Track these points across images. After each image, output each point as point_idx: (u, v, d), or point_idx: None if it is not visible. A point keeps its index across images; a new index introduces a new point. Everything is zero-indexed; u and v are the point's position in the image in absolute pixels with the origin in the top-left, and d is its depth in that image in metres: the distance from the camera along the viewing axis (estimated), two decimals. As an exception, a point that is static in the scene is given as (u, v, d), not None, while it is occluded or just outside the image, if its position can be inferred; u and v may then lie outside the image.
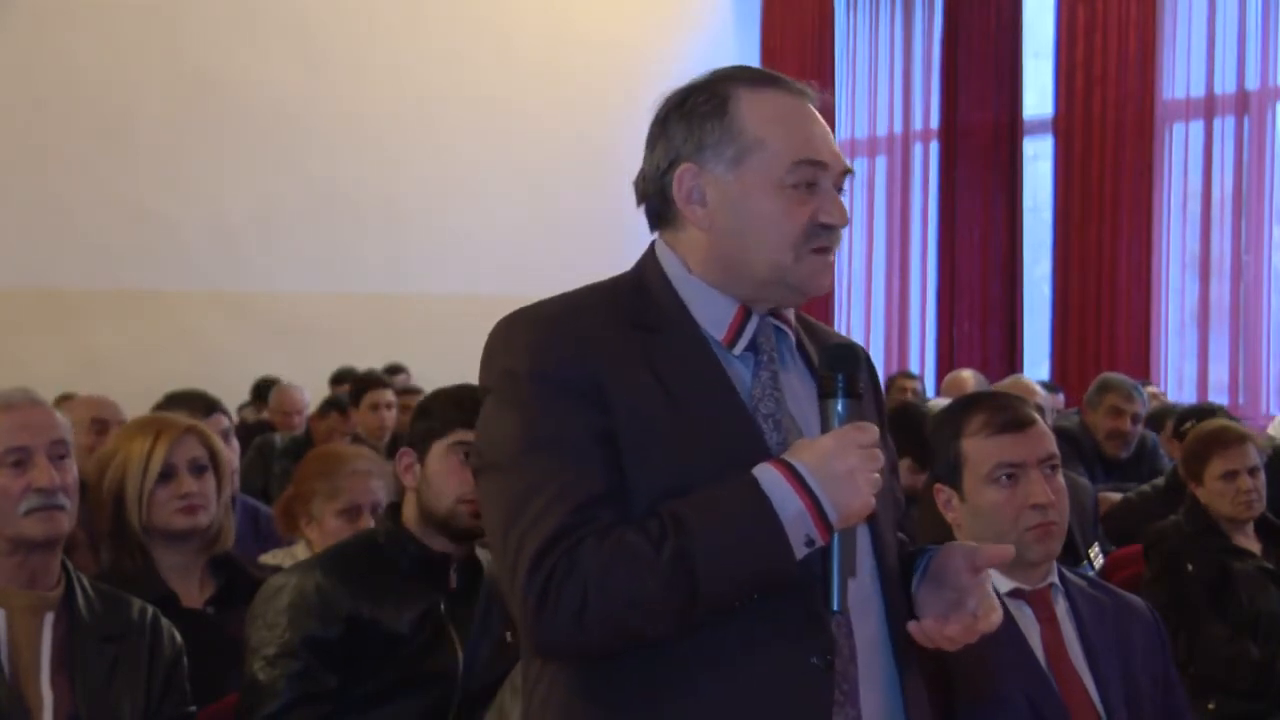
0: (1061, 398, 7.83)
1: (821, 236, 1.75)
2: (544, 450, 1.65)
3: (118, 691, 2.46)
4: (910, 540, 1.97)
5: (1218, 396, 8.60)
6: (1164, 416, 6.32)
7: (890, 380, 8.23)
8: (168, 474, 2.92)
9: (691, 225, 1.79)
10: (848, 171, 1.80)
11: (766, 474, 1.62)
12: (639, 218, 1.86)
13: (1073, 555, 4.16)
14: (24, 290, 8.63)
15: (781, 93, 1.79)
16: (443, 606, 2.64)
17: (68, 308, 8.74)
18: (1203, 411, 5.78)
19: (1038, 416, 2.55)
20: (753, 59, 10.87)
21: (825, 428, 1.68)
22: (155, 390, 5.21)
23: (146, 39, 9.10)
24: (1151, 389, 7.48)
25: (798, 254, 1.74)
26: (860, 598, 1.72)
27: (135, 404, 5.07)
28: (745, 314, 1.78)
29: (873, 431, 1.65)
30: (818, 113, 1.81)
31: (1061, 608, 2.50)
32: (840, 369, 1.69)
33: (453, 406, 2.67)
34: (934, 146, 10.43)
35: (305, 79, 9.51)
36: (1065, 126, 9.66)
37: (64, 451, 2.51)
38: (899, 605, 1.78)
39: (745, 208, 1.75)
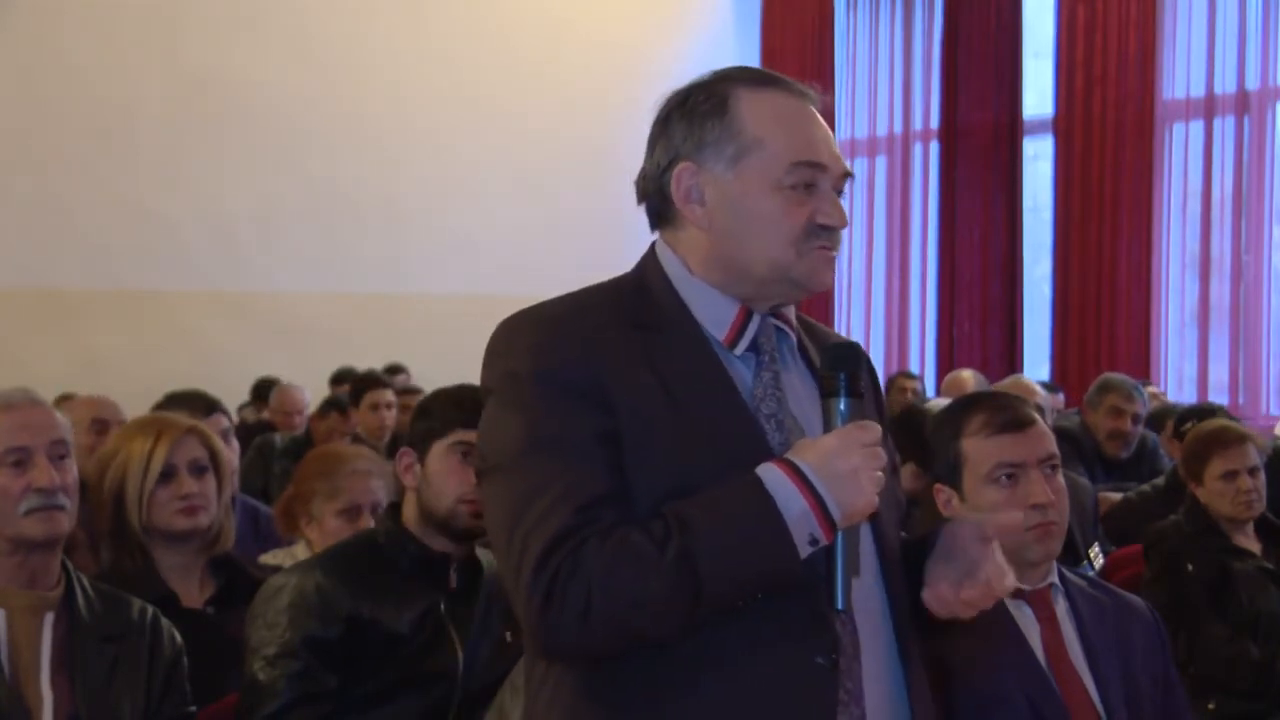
0: (1061, 398, 7.83)
1: (821, 237, 1.75)
2: (547, 451, 1.65)
3: (118, 691, 2.46)
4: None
5: (1218, 396, 8.60)
6: (1164, 416, 6.32)
7: (890, 380, 8.24)
8: (168, 474, 2.92)
9: (690, 224, 1.79)
10: (848, 174, 1.80)
11: (770, 473, 1.62)
12: (639, 218, 1.87)
13: (1073, 555, 4.16)
14: (24, 290, 8.63)
15: (783, 93, 1.79)
16: (443, 606, 2.64)
17: (68, 308, 8.75)
18: (1203, 411, 5.78)
19: (1038, 416, 2.55)
20: (753, 59, 10.88)
21: (828, 427, 1.68)
22: (155, 390, 5.21)
23: (146, 39, 9.10)
24: (1152, 389, 7.48)
25: (799, 251, 1.74)
26: (864, 596, 1.72)
27: (135, 404, 5.07)
28: (746, 314, 1.78)
29: (875, 430, 1.66)
30: (819, 115, 1.81)
31: (1061, 608, 2.50)
32: (842, 368, 1.69)
33: (453, 406, 2.67)
34: (934, 146, 10.43)
35: (305, 79, 9.51)
36: (1065, 126, 9.66)
37: (64, 451, 2.51)
38: (903, 603, 1.79)
39: (743, 207, 1.75)
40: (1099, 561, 4.33)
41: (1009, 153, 10.02)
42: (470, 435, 2.58)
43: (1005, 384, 6.19)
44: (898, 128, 10.63)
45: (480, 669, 2.63)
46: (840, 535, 1.64)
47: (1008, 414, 2.48)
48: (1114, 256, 9.37)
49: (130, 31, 9.04)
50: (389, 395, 7.09)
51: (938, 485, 2.54)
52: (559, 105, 10.34)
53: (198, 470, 2.96)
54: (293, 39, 9.53)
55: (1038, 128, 9.96)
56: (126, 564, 2.92)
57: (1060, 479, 2.50)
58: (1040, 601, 2.48)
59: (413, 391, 7.56)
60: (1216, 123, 9.02)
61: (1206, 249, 9.06)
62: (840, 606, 1.65)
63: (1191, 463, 4.14)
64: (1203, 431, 4.27)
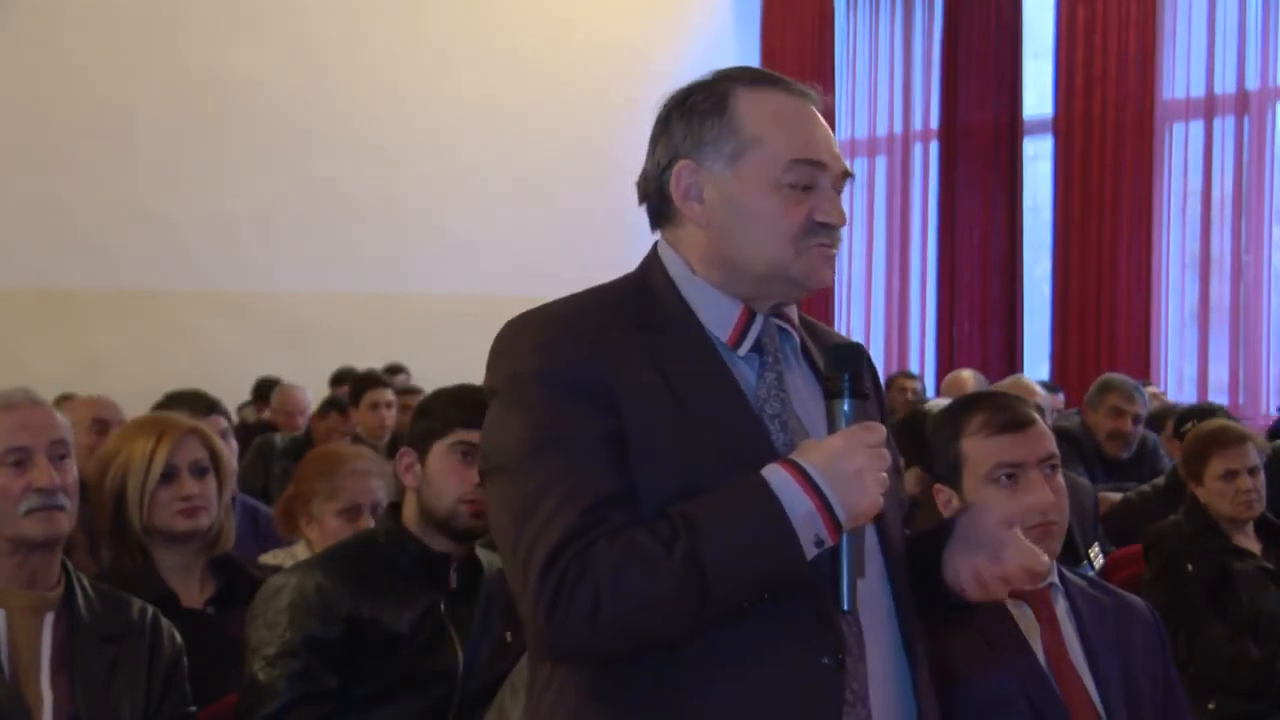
0: (1061, 398, 7.83)
1: (819, 235, 1.75)
2: (552, 451, 1.65)
3: (118, 691, 2.46)
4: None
5: (1218, 396, 8.60)
6: (1164, 416, 6.32)
7: (890, 380, 8.23)
8: (169, 475, 2.92)
9: (690, 222, 1.79)
10: (848, 174, 1.80)
11: (775, 475, 1.62)
12: (639, 218, 1.87)
13: (1073, 555, 4.15)
14: (24, 290, 8.63)
15: (782, 93, 1.79)
16: (443, 606, 2.64)
17: (68, 308, 8.75)
18: (1203, 411, 5.78)
19: (1038, 416, 2.55)
20: (753, 59, 10.88)
21: (832, 428, 1.68)
22: (155, 390, 5.20)
23: (146, 39, 9.10)
24: (1152, 389, 7.48)
25: (797, 249, 1.74)
26: (869, 597, 1.72)
27: (135, 404, 5.07)
28: (749, 315, 1.78)
29: (880, 431, 1.66)
30: (820, 115, 1.81)
31: (1061, 608, 2.50)
32: (845, 369, 1.69)
33: (453, 406, 2.67)
34: (934, 146, 10.43)
35: (305, 79, 9.51)
36: (1065, 126, 9.66)
37: (64, 451, 2.51)
38: (908, 603, 1.79)
39: (742, 205, 1.75)
40: (1099, 561, 4.33)
41: (1009, 153, 10.02)
42: (470, 435, 2.58)
43: (1005, 384, 6.19)
44: (898, 128, 10.63)
45: (480, 669, 2.63)
46: (845, 536, 1.64)
47: (1008, 414, 2.48)
48: (1114, 256, 9.37)
49: (130, 31, 9.04)
50: (389, 395, 7.09)
51: (938, 485, 2.54)
52: (559, 105, 10.34)
53: (199, 471, 2.96)
54: (293, 39, 9.53)
55: (1038, 128, 9.96)
56: (126, 564, 2.91)
57: (1060, 479, 2.50)
58: (1040, 602, 2.48)
59: (413, 391, 7.56)
60: (1216, 123, 9.02)
61: (1206, 249, 9.06)
62: (846, 607, 1.66)
63: (1191, 463, 4.14)
64: (1203, 431, 4.27)
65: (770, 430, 1.73)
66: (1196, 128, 9.12)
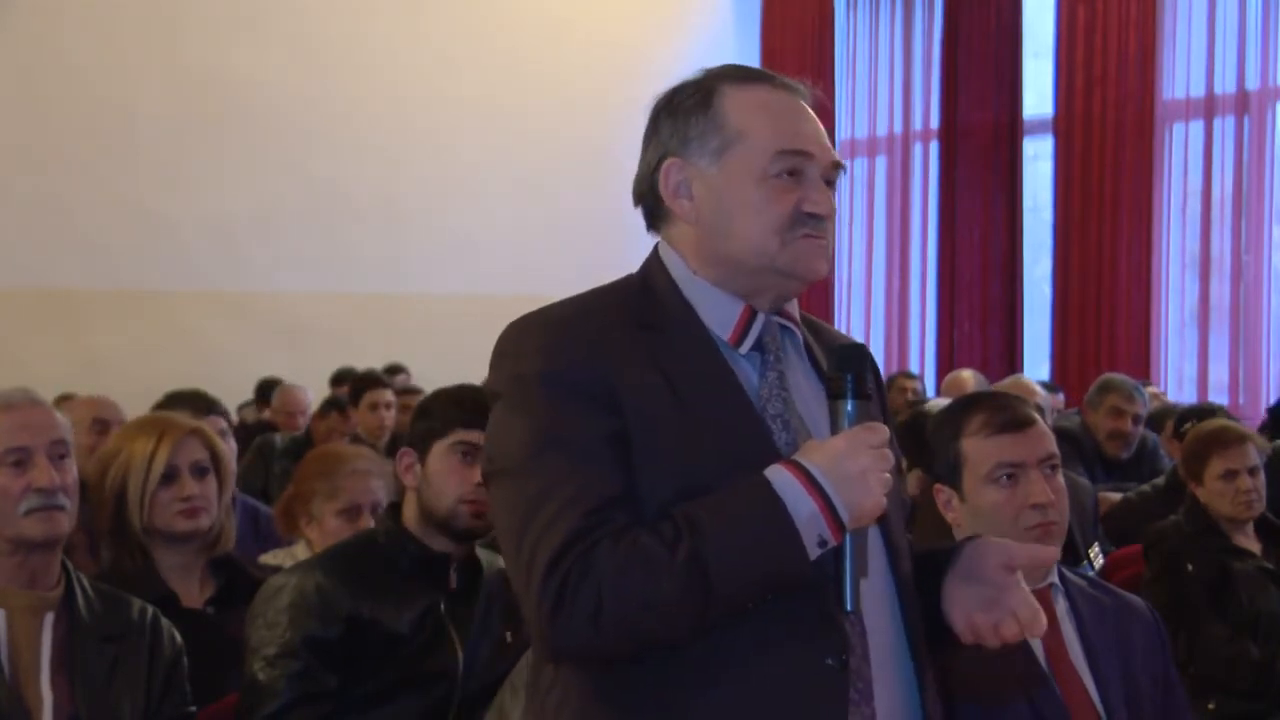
0: (1061, 398, 7.83)
1: (808, 225, 1.74)
2: (555, 454, 1.65)
3: (118, 691, 2.46)
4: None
5: (1218, 396, 8.60)
6: (1164, 416, 6.32)
7: (890, 380, 8.22)
8: (170, 476, 2.92)
9: (681, 220, 1.80)
10: (838, 165, 1.80)
11: (778, 475, 1.62)
12: (639, 218, 1.87)
13: (1073, 555, 4.15)
14: (24, 290, 8.63)
15: (767, 86, 1.80)
16: (443, 606, 2.64)
17: (68, 308, 8.75)
18: (1202, 411, 5.78)
19: (1038, 416, 2.55)
20: (753, 59, 10.87)
21: (835, 429, 1.68)
22: (155, 390, 5.20)
23: (146, 39, 9.10)
24: (1152, 389, 7.48)
25: (783, 240, 1.74)
26: (873, 597, 1.72)
27: (135, 404, 5.07)
28: (750, 313, 1.78)
29: (883, 432, 1.66)
30: (809, 108, 1.81)
31: (1061, 608, 2.50)
32: (848, 369, 1.69)
33: (453, 406, 2.67)
34: (934, 146, 10.43)
35: (305, 79, 9.51)
36: (1065, 126, 9.66)
37: (64, 451, 2.51)
38: (912, 604, 1.79)
39: (729, 199, 1.75)
40: (1099, 561, 4.33)
41: (1009, 153, 10.03)
42: (470, 435, 2.58)
43: (1005, 384, 6.19)
44: (898, 128, 10.63)
45: (480, 669, 2.63)
46: (849, 537, 1.64)
47: (1007, 414, 2.48)
48: (1114, 256, 9.37)
49: (130, 31, 9.04)
50: (388, 395, 7.09)
51: (938, 485, 2.54)
52: (559, 105, 10.34)
53: (199, 472, 2.96)
54: (293, 39, 9.53)
55: (1038, 128, 9.96)
56: (126, 564, 2.92)
57: (1060, 479, 2.50)
58: (1040, 601, 2.45)
59: (413, 391, 7.56)
60: (1216, 123, 9.02)
61: (1206, 249, 9.07)
62: (849, 607, 1.65)
63: (1191, 463, 4.14)
64: (1203, 431, 4.27)
65: (772, 430, 1.73)
66: (1196, 128, 9.12)
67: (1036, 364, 9.83)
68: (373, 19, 9.85)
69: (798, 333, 1.84)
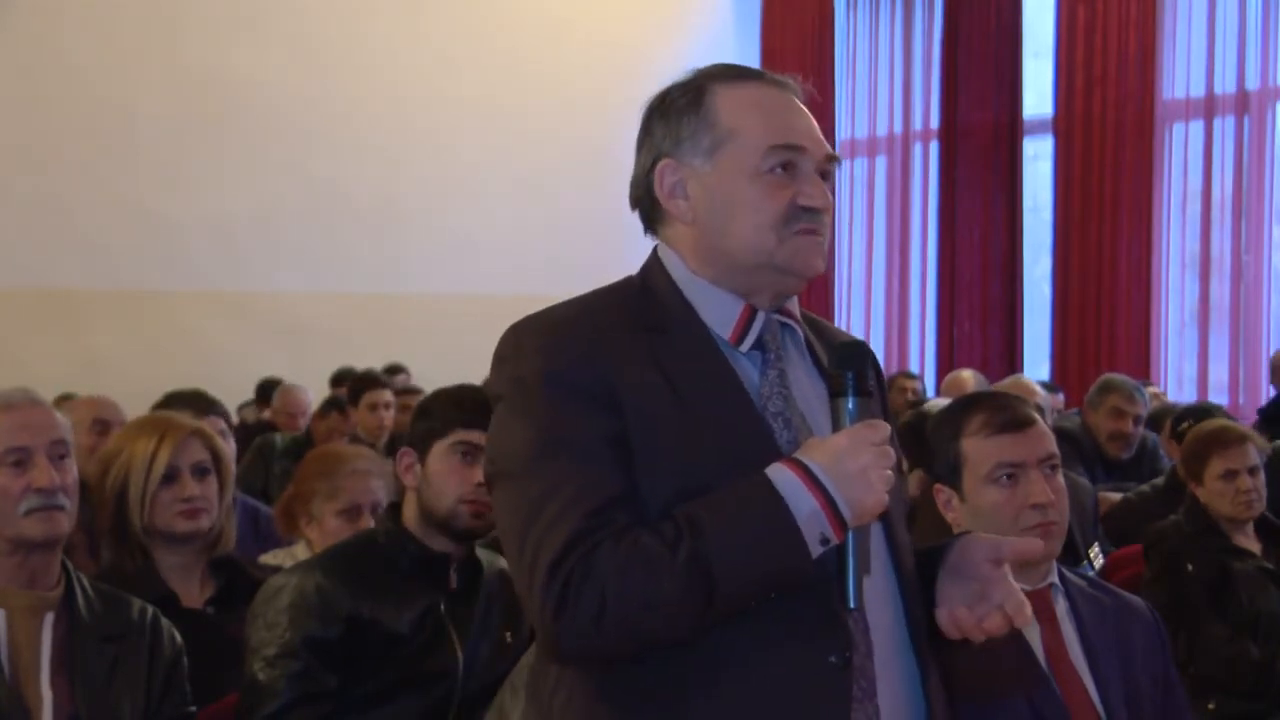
0: (1061, 398, 7.84)
1: (804, 219, 1.74)
2: (557, 454, 1.65)
3: (118, 691, 2.46)
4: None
5: (1218, 396, 8.60)
6: (1164, 417, 6.31)
7: (890, 380, 8.22)
8: (171, 476, 2.92)
9: (677, 220, 1.80)
10: (833, 157, 1.80)
11: (780, 474, 1.62)
12: (638, 218, 1.87)
13: (1073, 555, 4.16)
14: (24, 290, 8.63)
15: (758, 84, 1.80)
16: (443, 606, 2.64)
17: (68, 308, 8.75)
18: (1200, 411, 5.78)
19: (1038, 416, 2.55)
20: (753, 59, 10.87)
21: (836, 426, 1.68)
22: (155, 390, 5.20)
23: (146, 39, 9.10)
24: (1152, 389, 7.48)
25: (780, 236, 1.74)
26: (875, 594, 1.72)
27: (135, 404, 5.06)
28: (751, 312, 1.78)
29: (884, 429, 1.66)
30: (801, 104, 1.81)
31: (1061, 608, 2.50)
32: (849, 367, 1.69)
33: (453, 406, 2.67)
34: (934, 146, 10.43)
35: (305, 79, 9.52)
36: (1065, 126, 9.66)
37: (64, 451, 2.51)
38: (915, 600, 1.78)
39: (723, 197, 1.75)
40: (1099, 561, 4.34)
41: (1009, 153, 10.03)
42: (470, 435, 2.59)
43: (1005, 384, 6.19)
44: (898, 128, 10.63)
45: (480, 669, 2.63)
46: (851, 534, 1.64)
47: (1007, 414, 2.48)
48: (1114, 256, 9.38)
49: (130, 31, 9.04)
50: (387, 395, 7.09)
51: (937, 485, 2.54)
52: (559, 105, 10.34)
53: (200, 472, 2.96)
54: (293, 39, 9.53)
55: (1038, 128, 9.97)
56: (127, 564, 2.92)
57: (1060, 479, 2.50)
58: (1040, 601, 2.48)
59: (412, 391, 7.56)
60: (1216, 123, 9.02)
61: (1206, 249, 9.07)
62: (852, 605, 1.65)
63: (1191, 463, 4.14)
64: (1203, 431, 4.27)
65: (773, 428, 1.73)
66: (1196, 128, 9.13)
67: (1036, 364, 9.84)
68: (373, 19, 9.85)
69: (799, 330, 1.84)
